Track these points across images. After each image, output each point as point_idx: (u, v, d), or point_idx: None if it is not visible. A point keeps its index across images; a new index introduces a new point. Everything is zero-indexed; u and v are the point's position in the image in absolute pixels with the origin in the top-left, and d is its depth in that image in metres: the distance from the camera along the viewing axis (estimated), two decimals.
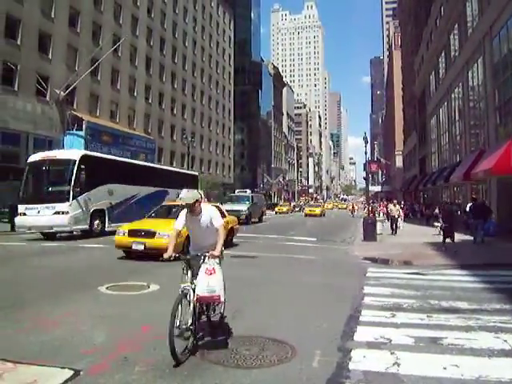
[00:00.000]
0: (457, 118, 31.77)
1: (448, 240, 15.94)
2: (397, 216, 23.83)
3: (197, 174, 35.12)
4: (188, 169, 47.71)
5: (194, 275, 5.10)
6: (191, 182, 29.88)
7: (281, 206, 68.41)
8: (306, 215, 48.54)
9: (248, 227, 27.58)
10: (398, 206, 26.14)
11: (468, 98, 28.16)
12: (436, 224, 23.31)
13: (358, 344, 5.34)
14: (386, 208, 32.34)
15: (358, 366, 4.61)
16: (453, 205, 26.43)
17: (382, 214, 34.12)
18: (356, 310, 7.04)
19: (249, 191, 38.06)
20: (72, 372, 4.35)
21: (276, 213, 59.62)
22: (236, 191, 40.48)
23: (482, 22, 23.73)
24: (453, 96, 32.52)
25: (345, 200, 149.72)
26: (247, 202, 32.58)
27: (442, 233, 16.40)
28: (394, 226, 23.31)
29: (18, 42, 32.13)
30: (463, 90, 29.04)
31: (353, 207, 54.39)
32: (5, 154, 30.98)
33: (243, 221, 28.88)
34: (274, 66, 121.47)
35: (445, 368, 4.55)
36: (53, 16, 35.65)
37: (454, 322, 6.32)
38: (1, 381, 4.16)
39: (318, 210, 49.85)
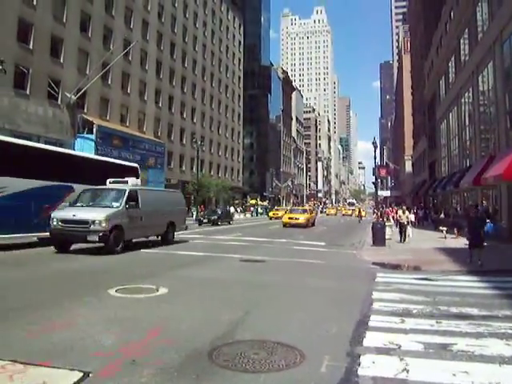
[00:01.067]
0: (467, 122, 31.57)
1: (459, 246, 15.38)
2: (406, 223, 21.84)
3: (136, 166, 24.64)
4: (197, 173, 47.63)
5: None
6: (126, 176, 19.26)
7: (276, 210, 60.56)
8: (284, 225, 34.68)
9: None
10: (407, 211, 23.99)
11: (478, 102, 27.99)
12: (441, 228, 24.70)
13: (367, 349, 5.31)
14: (397, 213, 32.09)
15: (367, 372, 4.58)
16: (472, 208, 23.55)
17: (392, 219, 33.90)
18: (365, 315, 7.00)
19: (133, 180, 18.70)
20: (81, 374, 4.37)
21: (270, 218, 51.98)
22: (108, 181, 18.40)
23: (493, 27, 23.61)
24: (463, 101, 32.35)
25: (352, 204, 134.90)
26: (114, 205, 15.77)
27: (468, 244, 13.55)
28: (403, 234, 21.48)
29: (31, 46, 32.50)
30: (473, 94, 28.87)
31: (360, 212, 49.38)
32: None
33: (100, 242, 14.72)
34: (283, 71, 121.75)
35: (454, 375, 4.51)
36: (64, 20, 36.04)
37: (464, 329, 6.27)
38: (10, 382, 4.19)
39: (302, 218, 35.14)
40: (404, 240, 21.15)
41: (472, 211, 13.76)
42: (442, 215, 31.55)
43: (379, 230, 19.49)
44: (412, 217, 31.02)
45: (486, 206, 25.46)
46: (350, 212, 75.10)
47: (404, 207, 26.20)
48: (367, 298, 8.34)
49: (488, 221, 19.75)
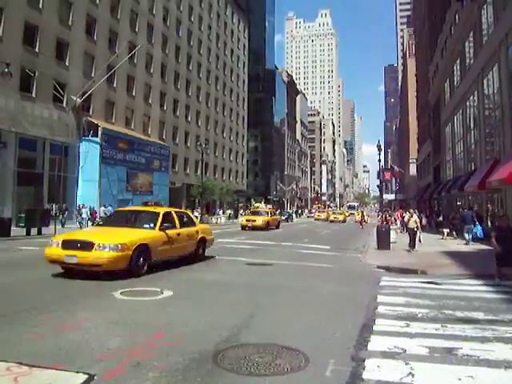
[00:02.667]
0: (472, 126, 31.49)
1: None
2: (415, 228, 19.25)
3: None
4: (202, 176, 47.60)
5: None
6: None
7: (252, 212, 40.82)
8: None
9: None
10: (415, 215, 21.20)
11: (483, 106, 27.92)
12: (442, 230, 26.02)
13: (372, 353, 5.30)
14: (402, 217, 32.03)
15: (372, 376, 4.57)
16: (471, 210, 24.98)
17: (398, 223, 33.78)
18: (370, 319, 6.99)
19: None
20: (86, 376, 4.39)
21: (242, 228, 34.65)
22: None
23: (498, 30, 23.56)
24: (468, 104, 32.27)
25: (353, 208, 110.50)
26: None
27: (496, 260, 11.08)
28: (413, 240, 18.97)
29: (36, 49, 32.64)
30: (478, 98, 28.80)
31: (362, 216, 41.58)
32: (22, 160, 31.43)
33: None
34: (287, 74, 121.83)
35: (460, 379, 4.49)
36: (70, 24, 36.20)
37: (470, 333, 6.24)
38: None
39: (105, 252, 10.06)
40: (414, 247, 18.77)
41: (504, 222, 11.68)
42: (441, 218, 31.95)
43: (384, 234, 19.45)
44: (424, 221, 31.13)
45: (488, 210, 27.01)
46: (339, 217, 57.01)
47: (411, 210, 24.47)
48: (372, 302, 8.32)
49: (477, 223, 22.33)
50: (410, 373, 4.64)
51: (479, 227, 22.26)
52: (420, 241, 19.73)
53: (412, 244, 18.92)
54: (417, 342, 5.70)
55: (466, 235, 21.77)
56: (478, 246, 20.24)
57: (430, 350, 5.41)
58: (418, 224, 19.69)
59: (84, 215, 30.87)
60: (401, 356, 5.17)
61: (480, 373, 4.68)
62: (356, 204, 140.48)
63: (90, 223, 29.75)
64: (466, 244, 21.41)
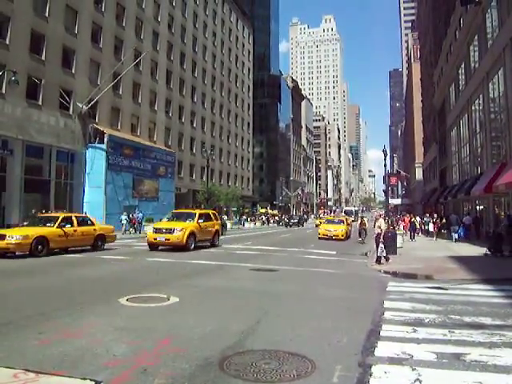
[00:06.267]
0: (477, 129, 31.38)
1: None
2: (377, 236, 15.86)
3: None
4: (207, 182, 47.70)
5: None
6: None
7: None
8: None
9: None
10: (381, 219, 17.67)
11: (489, 109, 27.83)
12: (443, 231, 30.02)
13: (379, 359, 5.26)
14: (410, 222, 32.04)
15: (379, 383, 4.54)
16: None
17: (402, 228, 33.68)
18: (377, 325, 6.94)
19: None
20: (93, 383, 4.38)
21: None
22: None
23: (502, 33, 23.52)
24: (473, 108, 32.17)
25: (351, 213, 78.82)
26: None
27: None
28: (381, 251, 15.35)
29: (43, 57, 32.87)
30: (484, 101, 28.72)
31: (362, 225, 29.59)
32: (29, 167, 31.60)
33: None
34: (292, 80, 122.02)
35: None
36: (76, 31, 36.46)
37: (477, 338, 6.19)
38: None
39: None
40: (386, 260, 15.68)
41: None
42: (444, 220, 32.39)
43: (390, 239, 19.33)
44: (431, 226, 31.23)
45: (474, 214, 30.25)
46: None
47: (380, 212, 20.05)
48: (379, 308, 8.28)
49: (461, 224, 26.50)
50: (418, 379, 4.60)
51: (462, 229, 26.71)
52: (384, 252, 15.50)
53: (382, 257, 15.42)
54: (424, 348, 5.67)
55: (453, 235, 25.80)
56: (465, 246, 23.32)
57: (438, 355, 5.37)
58: (383, 230, 16.35)
59: (124, 221, 33.61)
60: (408, 362, 5.14)
61: (488, 378, 4.64)
62: (354, 209, 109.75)
63: (130, 228, 34.24)
64: (451, 242, 25.31)
